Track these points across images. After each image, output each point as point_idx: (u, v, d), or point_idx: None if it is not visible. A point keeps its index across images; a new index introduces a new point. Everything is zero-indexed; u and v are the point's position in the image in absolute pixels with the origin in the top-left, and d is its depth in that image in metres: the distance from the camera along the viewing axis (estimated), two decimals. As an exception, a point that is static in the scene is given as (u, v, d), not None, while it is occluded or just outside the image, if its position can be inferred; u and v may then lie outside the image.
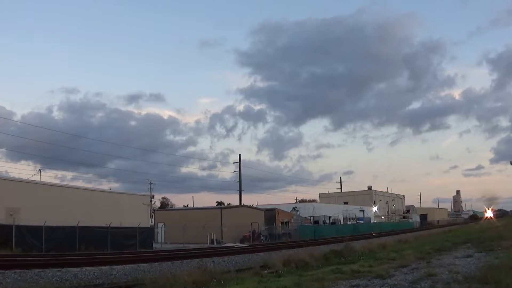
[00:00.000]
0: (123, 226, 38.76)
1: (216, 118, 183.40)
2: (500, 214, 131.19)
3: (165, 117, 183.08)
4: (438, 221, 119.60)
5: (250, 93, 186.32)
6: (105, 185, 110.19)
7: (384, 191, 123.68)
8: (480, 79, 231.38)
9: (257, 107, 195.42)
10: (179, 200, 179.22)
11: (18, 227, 31.20)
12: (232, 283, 14.01)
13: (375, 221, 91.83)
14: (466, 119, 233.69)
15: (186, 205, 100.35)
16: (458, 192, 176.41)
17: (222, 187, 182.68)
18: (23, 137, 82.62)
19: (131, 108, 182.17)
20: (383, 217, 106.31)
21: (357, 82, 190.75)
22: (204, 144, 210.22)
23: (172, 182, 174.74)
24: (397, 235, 48.20)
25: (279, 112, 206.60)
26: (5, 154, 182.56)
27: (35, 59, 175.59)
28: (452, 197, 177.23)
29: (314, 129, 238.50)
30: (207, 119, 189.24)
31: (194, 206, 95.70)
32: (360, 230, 64.59)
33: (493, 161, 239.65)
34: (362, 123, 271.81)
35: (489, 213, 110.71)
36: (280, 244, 38.00)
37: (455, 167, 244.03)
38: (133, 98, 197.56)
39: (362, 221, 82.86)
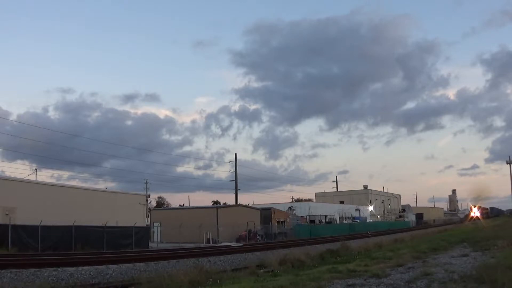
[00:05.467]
0: (119, 226, 38.67)
1: (212, 118, 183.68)
2: (493, 213, 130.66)
3: (161, 116, 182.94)
4: (434, 220, 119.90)
5: (245, 93, 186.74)
6: (101, 185, 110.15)
7: (380, 190, 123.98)
8: (475, 79, 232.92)
9: (252, 107, 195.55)
10: (175, 199, 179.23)
11: (14, 227, 31.09)
12: (228, 283, 14.00)
13: (371, 220, 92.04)
14: (460, 119, 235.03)
15: (182, 205, 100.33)
16: (454, 191, 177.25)
17: (218, 186, 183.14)
18: (19, 136, 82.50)
19: (127, 107, 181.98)
20: (379, 217, 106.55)
21: (351, 82, 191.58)
22: (199, 143, 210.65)
23: (168, 181, 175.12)
24: (393, 234, 48.26)
25: (274, 112, 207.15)
26: (1, 153, 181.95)
27: (31, 59, 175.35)
28: (448, 196, 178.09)
29: (310, 129, 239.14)
30: (203, 118, 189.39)
31: (190, 205, 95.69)
32: (356, 229, 64.68)
33: (488, 160, 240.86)
34: (357, 123, 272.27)
35: (475, 212, 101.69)
36: (276, 243, 38.00)
37: (450, 166, 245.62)
38: (129, 98, 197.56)
39: (358, 220, 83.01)
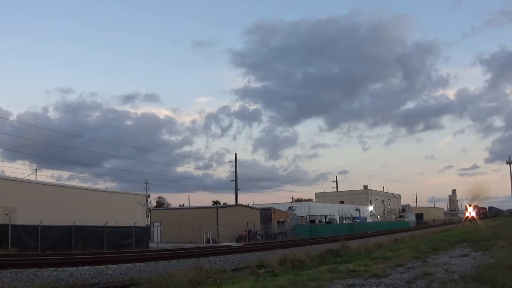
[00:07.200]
0: (119, 226, 38.67)
1: (212, 118, 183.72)
2: (492, 213, 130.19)
3: (161, 116, 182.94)
4: (434, 220, 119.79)
5: (244, 93, 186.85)
6: (101, 185, 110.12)
7: (380, 190, 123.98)
8: (474, 79, 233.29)
9: (252, 107, 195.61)
10: (175, 199, 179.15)
11: (14, 227, 31.09)
12: (228, 283, 14.01)
13: (371, 220, 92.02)
14: (460, 119, 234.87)
15: (182, 205, 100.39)
16: (454, 191, 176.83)
17: (218, 186, 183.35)
18: (19, 136, 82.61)
19: (127, 107, 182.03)
20: (379, 216, 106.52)
21: (351, 83, 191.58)
22: (199, 143, 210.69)
23: (168, 181, 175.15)
24: (393, 234, 48.27)
25: (274, 112, 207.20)
26: (1, 153, 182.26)
27: (30, 59, 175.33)
28: (448, 197, 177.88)
29: (309, 129, 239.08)
30: (203, 118, 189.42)
31: (190, 205, 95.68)
32: (356, 229, 64.69)
33: (488, 160, 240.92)
34: (357, 123, 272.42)
35: (471, 212, 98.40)
36: (276, 243, 38.04)
37: (450, 166, 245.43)
38: (129, 98, 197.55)
39: (358, 220, 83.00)
